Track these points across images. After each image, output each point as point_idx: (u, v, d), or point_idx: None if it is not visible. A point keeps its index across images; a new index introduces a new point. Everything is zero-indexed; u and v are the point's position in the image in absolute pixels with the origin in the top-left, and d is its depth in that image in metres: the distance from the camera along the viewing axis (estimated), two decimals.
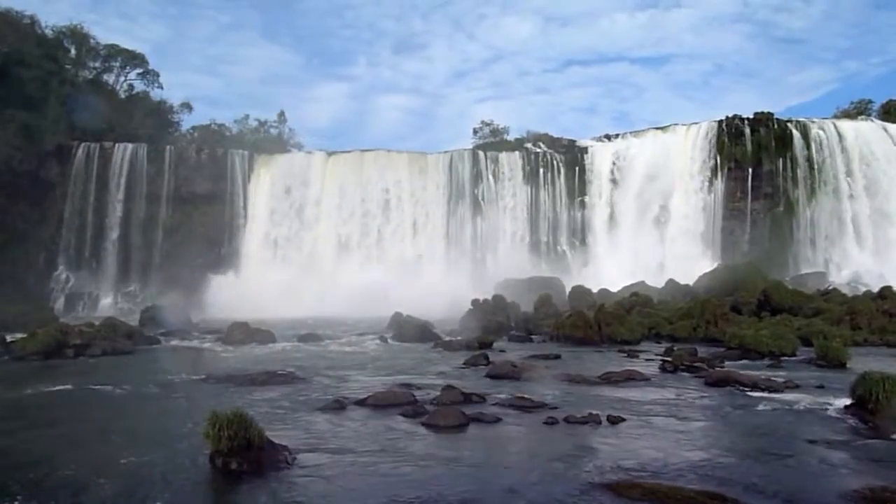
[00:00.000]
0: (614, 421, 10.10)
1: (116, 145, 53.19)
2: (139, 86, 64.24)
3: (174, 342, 24.06)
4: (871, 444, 8.84)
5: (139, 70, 63.92)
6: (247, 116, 67.39)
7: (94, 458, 8.28)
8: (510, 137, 60.31)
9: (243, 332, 23.78)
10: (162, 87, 64.91)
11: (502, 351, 20.19)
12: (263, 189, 53.91)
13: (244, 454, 7.50)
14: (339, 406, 11.25)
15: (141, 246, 52.15)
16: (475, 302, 29.66)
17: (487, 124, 62.67)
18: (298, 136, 68.63)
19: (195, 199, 53.54)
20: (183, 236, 52.88)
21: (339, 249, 52.26)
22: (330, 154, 56.08)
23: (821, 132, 49.84)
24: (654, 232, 50.09)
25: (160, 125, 61.18)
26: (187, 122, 66.45)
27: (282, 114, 68.22)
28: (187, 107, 66.45)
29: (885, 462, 8.09)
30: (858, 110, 58.15)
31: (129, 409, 11.85)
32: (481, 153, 55.50)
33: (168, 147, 55.03)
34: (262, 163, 55.22)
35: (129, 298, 49.14)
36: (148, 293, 48.31)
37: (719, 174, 50.15)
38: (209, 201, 53.58)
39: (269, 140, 64.62)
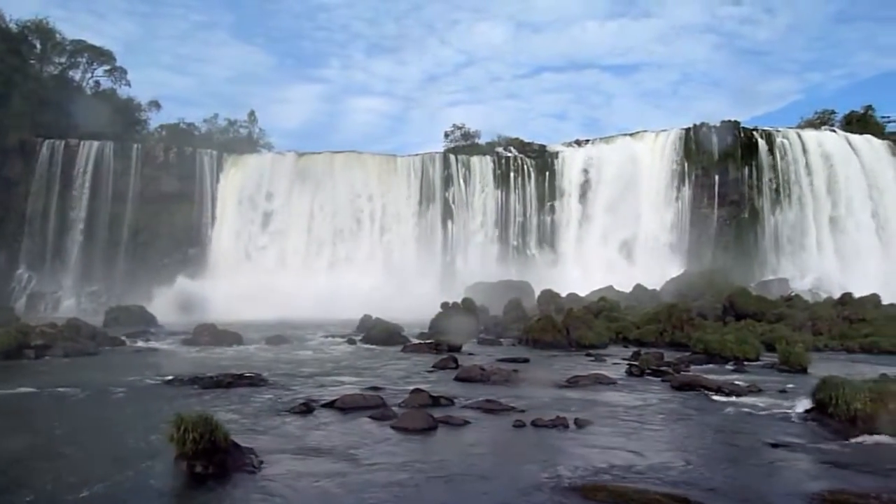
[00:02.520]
0: (581, 424, 10.17)
1: (82, 143, 52.23)
2: (106, 83, 63.21)
3: (139, 343, 23.65)
4: (831, 448, 9.03)
5: (106, 67, 62.86)
6: (216, 116, 66.57)
7: (54, 462, 8.12)
8: (481, 141, 60.44)
9: (210, 334, 23.50)
10: (129, 85, 63.92)
11: (471, 354, 20.22)
12: (232, 189, 53.34)
13: (209, 457, 7.40)
14: (306, 409, 11.16)
15: (106, 246, 51.24)
16: (445, 305, 29.66)
17: (459, 128, 62.78)
18: (269, 137, 67.97)
19: (162, 199, 52.77)
20: (149, 236, 52.12)
21: (309, 251, 51.93)
22: (300, 155, 55.69)
23: (785, 141, 50.86)
24: (623, 237, 50.62)
25: (127, 123, 60.15)
26: (155, 120, 65.46)
27: (252, 114, 67.46)
28: (156, 105, 65.52)
29: (844, 465, 8.26)
30: (822, 121, 59.38)
31: (91, 412, 11.63)
32: (452, 157, 55.58)
33: (135, 145, 54.18)
34: (232, 163, 54.65)
35: (93, 299, 48.21)
36: (112, 294, 47.43)
37: (686, 181, 50.90)
38: (177, 201, 52.86)
39: (239, 140, 63.93)
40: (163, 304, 41.11)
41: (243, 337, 23.99)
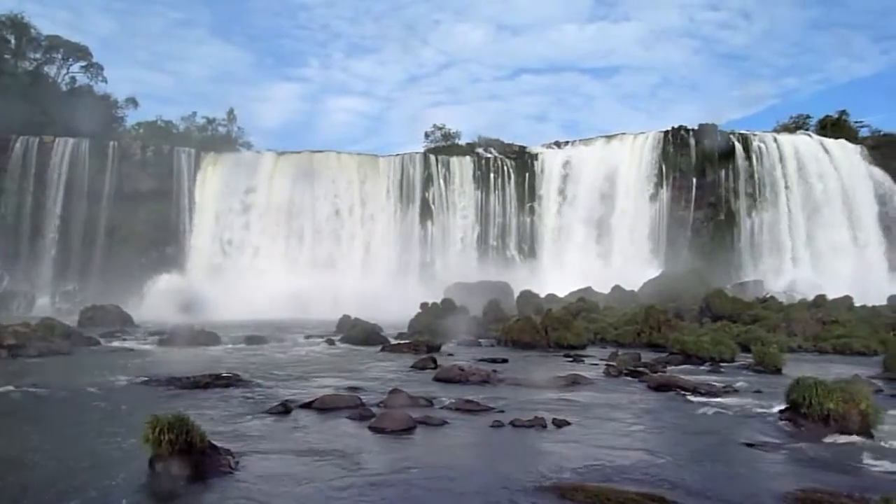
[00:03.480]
0: (559, 424, 10.22)
1: (57, 140, 51.51)
2: (82, 79, 62.51)
3: (114, 343, 23.38)
4: (804, 447, 9.16)
5: (82, 63, 62.17)
6: (194, 114, 66.01)
7: (24, 465, 8.00)
8: (462, 142, 60.58)
9: (187, 334, 23.28)
10: (106, 81, 63.29)
11: (450, 355, 20.24)
12: (211, 188, 52.93)
13: (185, 458, 7.34)
14: (284, 409, 11.10)
15: (81, 244, 50.60)
16: (424, 305, 29.67)
17: (439, 128, 62.86)
18: (248, 136, 67.47)
19: (139, 197, 52.22)
20: (126, 235, 51.56)
21: (288, 251, 51.64)
22: (280, 154, 55.42)
23: (761, 145, 51.50)
24: (601, 239, 50.94)
25: (103, 120, 59.37)
26: (132, 118, 64.87)
27: (231, 112, 66.94)
28: (133, 102, 64.88)
29: (816, 464, 8.39)
30: (797, 125, 60.22)
31: (64, 413, 11.47)
32: (432, 157, 55.60)
33: (111, 143, 53.54)
34: (210, 161, 54.21)
35: (68, 298, 47.53)
36: (87, 293, 46.75)
37: (664, 183, 51.34)
38: (154, 199, 52.34)
39: (218, 138, 63.45)
40: (139, 303, 40.74)
41: (221, 337, 23.81)
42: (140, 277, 47.12)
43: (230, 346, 22.83)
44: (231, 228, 52.14)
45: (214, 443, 7.91)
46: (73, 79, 62.26)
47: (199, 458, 7.46)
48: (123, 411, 11.14)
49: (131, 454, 7.94)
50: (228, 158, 55.32)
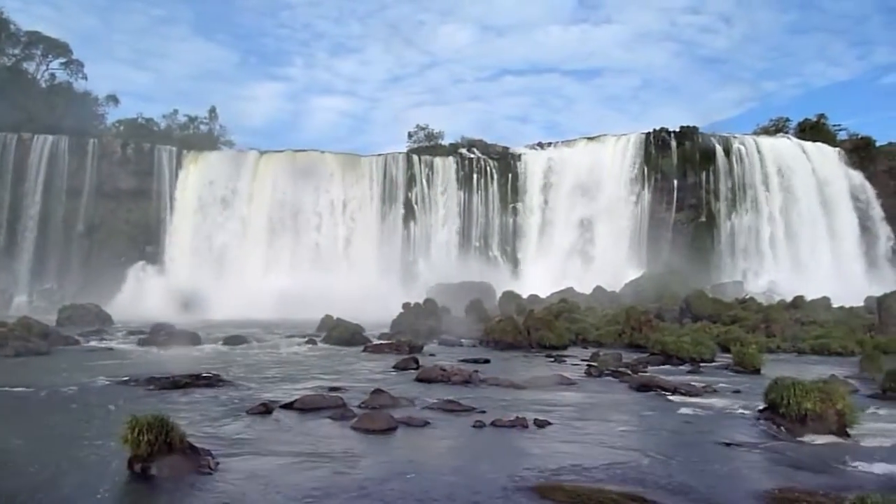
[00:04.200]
0: (541, 424, 10.26)
1: (35, 137, 50.88)
2: (62, 76, 61.76)
3: (93, 343, 23.15)
4: (782, 447, 9.26)
5: (62, 59, 61.41)
6: (176, 112, 65.43)
7: (3, 464, 7.90)
8: (445, 142, 60.59)
9: (167, 334, 23.12)
10: (86, 78, 62.56)
11: (432, 355, 20.24)
12: (192, 186, 52.52)
13: (164, 459, 7.29)
14: (265, 409, 11.05)
15: (59, 242, 50.05)
16: (406, 305, 29.65)
17: (422, 128, 62.84)
18: (230, 134, 67.03)
19: (119, 195, 51.77)
20: (105, 233, 51.07)
21: (270, 250, 51.36)
22: (262, 153, 55.09)
23: (741, 147, 52.01)
24: (583, 239, 51.16)
25: (83, 117, 58.79)
26: (113, 115, 64.19)
27: (213, 110, 66.49)
28: (113, 99, 64.20)
29: (794, 463, 8.49)
30: (776, 128, 60.85)
31: (41, 413, 11.34)
32: (415, 157, 55.56)
33: (91, 140, 52.98)
34: (192, 159, 53.79)
35: (46, 297, 46.97)
36: (66, 292, 46.32)
37: (646, 185, 51.69)
38: (134, 198, 51.90)
39: (199, 137, 62.98)
40: (119, 302, 40.38)
41: (201, 336, 23.64)
42: (120, 276, 46.66)
43: (211, 345, 22.69)
44: (212, 228, 51.73)
45: (194, 443, 7.86)
46: (53, 75, 61.59)
47: (178, 458, 7.41)
48: (102, 412, 11.03)
49: (110, 455, 7.87)
50: (210, 157, 54.93)
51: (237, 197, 52.31)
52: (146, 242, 51.47)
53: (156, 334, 23.23)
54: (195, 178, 52.71)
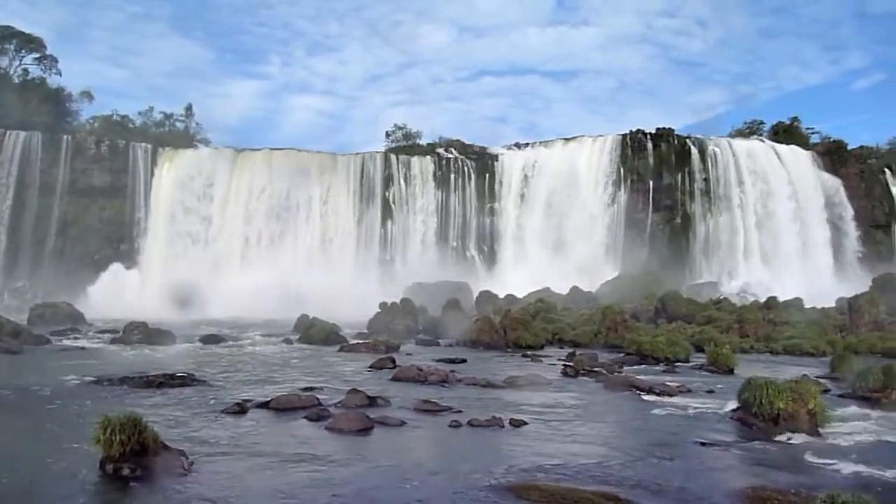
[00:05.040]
0: (516, 424, 10.29)
1: (8, 133, 49.89)
2: (35, 71, 60.54)
3: (65, 342, 22.80)
4: (755, 446, 9.38)
5: (36, 55, 60.25)
6: (151, 109, 64.42)
7: None
8: (422, 142, 60.44)
9: (141, 333, 22.82)
10: (60, 74, 61.34)
11: (409, 354, 20.23)
12: (167, 184, 51.83)
13: (137, 460, 7.21)
14: (240, 409, 10.97)
15: (32, 240, 49.15)
16: (383, 305, 29.60)
17: (400, 128, 62.60)
18: (206, 132, 66.15)
19: (93, 193, 51.00)
20: (79, 231, 50.29)
21: (246, 249, 50.95)
22: (239, 151, 54.54)
23: (716, 149, 52.57)
24: (560, 239, 51.35)
25: (57, 113, 57.70)
26: (87, 111, 62.96)
27: (189, 107, 65.52)
28: (88, 96, 62.96)
29: (766, 462, 8.60)
30: (751, 130, 61.55)
31: (13, 413, 11.15)
32: (393, 156, 55.41)
33: (65, 137, 52.07)
34: (167, 157, 53.09)
35: (18, 295, 46.08)
36: (38, 290, 45.49)
37: (622, 186, 52.03)
38: (108, 195, 51.15)
39: (175, 134, 62.10)
40: (93, 301, 39.85)
41: (176, 336, 23.40)
42: (93, 275, 46.02)
43: (186, 345, 22.46)
44: (187, 226, 51.16)
45: (168, 444, 7.78)
46: (26, 70, 60.36)
47: (151, 459, 7.33)
48: (74, 412, 10.87)
49: (81, 456, 7.76)
50: (186, 155, 54.25)
51: (213, 195, 51.75)
52: (120, 241, 50.76)
53: (129, 333, 22.93)
54: (171, 176, 52.05)
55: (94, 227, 50.68)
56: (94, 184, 51.10)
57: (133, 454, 7.21)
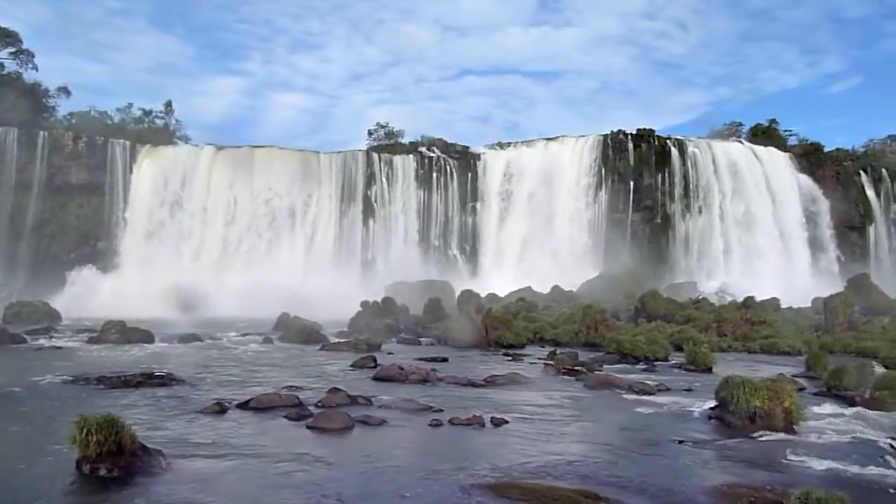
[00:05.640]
0: (497, 423, 10.32)
1: None
2: (11, 66, 59.60)
3: (42, 341, 22.48)
4: (732, 444, 9.49)
5: (11, 49, 59.35)
6: (130, 105, 63.70)
7: None
8: (405, 141, 60.37)
9: (119, 332, 22.56)
10: (37, 69, 60.40)
11: (390, 353, 20.20)
12: (146, 182, 51.33)
13: (114, 460, 7.14)
14: (219, 409, 10.91)
15: (7, 238, 48.48)
16: (364, 304, 29.54)
17: (382, 126, 62.50)
18: (186, 129, 65.51)
19: (70, 190, 50.39)
20: (55, 228, 49.70)
21: (226, 247, 50.60)
22: (219, 149, 54.10)
23: (696, 150, 53.04)
24: (542, 239, 51.58)
25: (33, 109, 56.84)
26: (65, 108, 62.09)
27: (169, 104, 64.82)
28: (65, 91, 62.07)
29: (742, 460, 8.71)
30: (730, 132, 62.21)
31: None
32: (375, 155, 55.30)
33: (41, 133, 51.38)
34: (146, 154, 52.57)
35: None
36: (14, 288, 44.85)
37: (603, 186, 52.32)
38: (86, 192, 50.57)
39: (154, 131, 61.43)
40: (70, 299, 39.37)
41: (154, 335, 23.17)
42: (70, 273, 45.45)
43: (164, 344, 22.24)
44: (167, 223, 50.69)
45: (146, 444, 7.72)
46: (2, 65, 59.37)
47: (129, 459, 7.27)
48: (50, 412, 10.74)
49: (58, 456, 7.68)
50: (165, 152, 53.76)
51: (193, 193, 51.32)
52: (98, 239, 50.21)
53: (106, 332, 22.66)
54: (150, 173, 51.54)
55: (72, 224, 50.09)
56: (72, 181, 50.51)
57: (110, 454, 7.15)
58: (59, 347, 20.85)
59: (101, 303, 37.75)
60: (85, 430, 7.09)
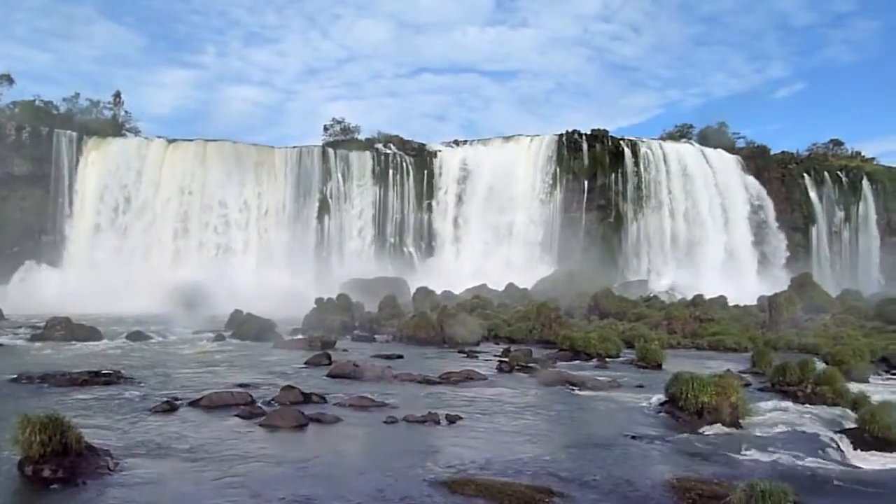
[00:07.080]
0: (452, 420, 10.36)
1: None
2: None
3: None
4: (681, 438, 9.71)
5: None
6: (77, 95, 61.87)
7: None
8: (361, 137, 60.00)
9: (64, 328, 21.92)
10: None
11: (345, 351, 20.07)
12: (93, 174, 49.86)
13: (59, 461, 6.95)
14: (169, 408, 10.71)
15: None
16: (319, 301, 29.27)
17: (339, 122, 61.97)
18: (136, 121, 63.88)
19: (13, 182, 48.66)
20: None
21: (177, 242, 49.52)
22: (170, 142, 52.91)
23: (648, 151, 53.95)
24: (497, 237, 51.87)
25: None
26: (7, 96, 60.03)
27: (118, 95, 63.11)
28: (7, 79, 60.02)
29: (691, 453, 8.92)
30: (681, 133, 63.45)
31: None
32: (331, 150, 54.81)
33: None
34: (94, 146, 51.07)
35: None
36: None
37: (558, 185, 52.83)
38: (30, 184, 48.87)
39: (102, 122, 59.75)
40: (11, 294, 38.10)
41: (101, 332, 22.60)
42: (12, 267, 44.00)
43: (112, 341, 21.72)
44: (115, 217, 49.35)
45: (92, 444, 7.54)
46: None
47: (74, 459, 7.09)
48: None
49: None
50: (114, 144, 52.30)
51: (143, 187, 50.02)
52: (42, 232, 48.63)
53: (51, 329, 22.00)
54: (97, 166, 50.09)
55: (14, 217, 48.37)
56: (14, 172, 48.77)
57: (55, 455, 6.95)
58: (1, 345, 20.18)
59: (45, 299, 36.59)
60: (28, 430, 6.89)
